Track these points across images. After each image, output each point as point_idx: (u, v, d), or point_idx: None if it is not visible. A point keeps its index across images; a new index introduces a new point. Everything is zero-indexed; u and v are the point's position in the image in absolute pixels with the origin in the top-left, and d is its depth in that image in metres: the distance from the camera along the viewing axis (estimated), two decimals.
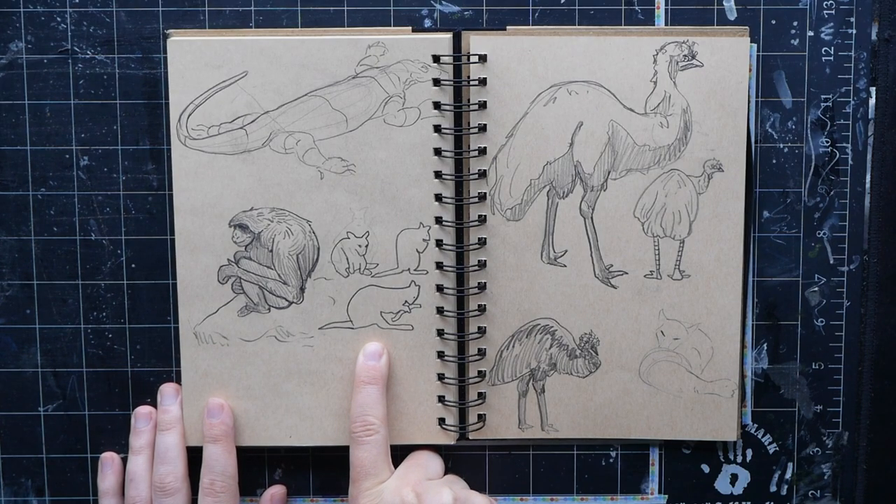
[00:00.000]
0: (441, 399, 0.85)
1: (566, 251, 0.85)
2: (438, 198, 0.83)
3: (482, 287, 0.85)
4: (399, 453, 0.87)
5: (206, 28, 0.84)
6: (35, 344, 0.87)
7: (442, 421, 0.86)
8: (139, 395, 0.87)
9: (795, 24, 0.84)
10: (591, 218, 0.84)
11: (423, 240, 0.84)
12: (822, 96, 0.85)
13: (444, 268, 0.84)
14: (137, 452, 0.84)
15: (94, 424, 0.87)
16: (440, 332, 0.84)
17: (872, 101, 0.85)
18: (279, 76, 0.82)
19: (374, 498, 0.80)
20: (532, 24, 0.85)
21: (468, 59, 0.83)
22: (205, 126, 0.82)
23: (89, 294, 0.86)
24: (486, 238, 0.84)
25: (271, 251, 0.84)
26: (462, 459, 0.88)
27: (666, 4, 0.84)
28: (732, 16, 0.84)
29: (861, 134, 0.85)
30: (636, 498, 0.89)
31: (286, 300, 0.84)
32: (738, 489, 0.89)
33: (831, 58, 0.85)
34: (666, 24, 0.84)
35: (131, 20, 0.84)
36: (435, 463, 0.85)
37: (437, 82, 0.82)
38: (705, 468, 0.89)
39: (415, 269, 0.84)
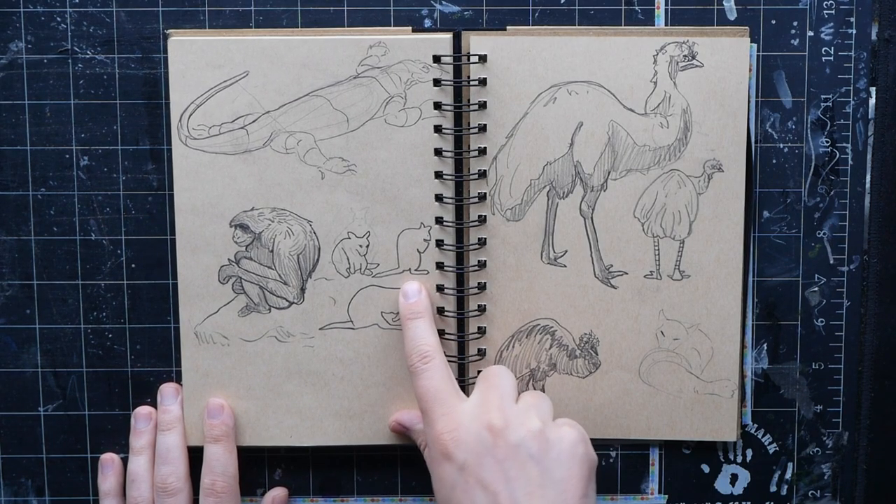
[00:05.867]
0: None
1: (566, 251, 0.85)
2: (439, 198, 0.83)
3: (482, 287, 0.85)
4: (400, 454, 0.88)
5: (206, 28, 0.84)
6: (35, 344, 0.86)
7: None
8: (139, 395, 0.87)
9: (795, 24, 0.84)
10: (591, 218, 0.84)
11: (424, 240, 0.84)
12: (822, 96, 0.85)
13: (445, 268, 0.84)
14: (138, 453, 0.84)
15: (94, 424, 0.87)
16: (441, 333, 0.84)
17: (872, 101, 0.85)
18: (280, 76, 0.82)
19: (451, 423, 0.76)
20: (532, 24, 0.85)
21: (468, 59, 0.83)
22: (206, 126, 0.82)
23: (89, 294, 0.86)
24: (486, 238, 0.84)
25: (272, 251, 0.84)
26: None
27: (666, 4, 0.84)
28: (732, 16, 0.85)
29: (861, 134, 0.85)
30: (636, 498, 0.89)
31: (287, 300, 0.84)
32: (738, 489, 0.89)
33: (831, 58, 0.85)
34: (666, 24, 0.84)
35: (131, 20, 0.84)
36: (508, 381, 0.79)
37: (437, 82, 0.82)
38: (705, 468, 0.89)
39: (415, 270, 0.84)
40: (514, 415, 0.75)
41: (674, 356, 0.85)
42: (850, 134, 0.85)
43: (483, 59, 0.83)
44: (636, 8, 0.84)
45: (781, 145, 0.85)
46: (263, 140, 0.83)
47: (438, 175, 0.83)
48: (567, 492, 0.73)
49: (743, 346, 0.86)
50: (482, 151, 0.83)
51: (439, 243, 0.84)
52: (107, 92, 0.85)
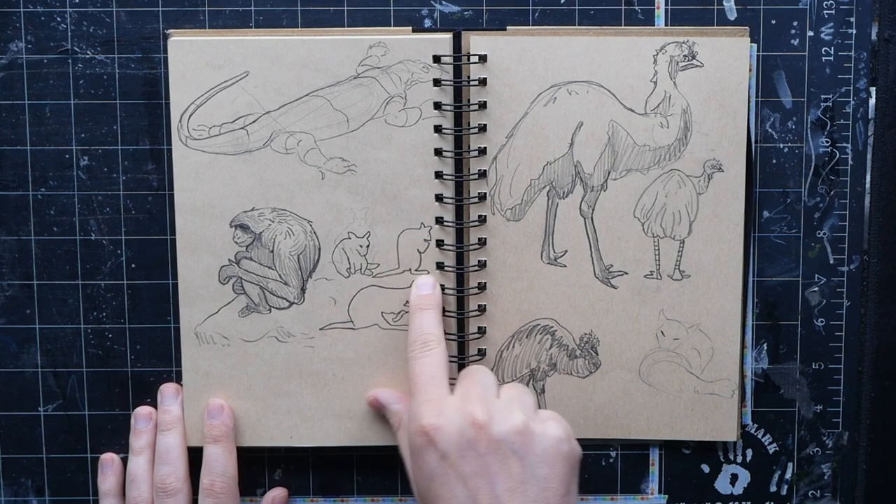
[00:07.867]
0: None
1: (566, 251, 0.85)
2: (439, 198, 0.83)
3: (482, 287, 0.85)
4: (400, 454, 0.87)
5: (206, 28, 0.84)
6: (35, 344, 0.86)
7: None
8: (139, 395, 0.87)
9: (795, 24, 0.84)
10: (591, 218, 0.84)
11: (424, 240, 0.84)
12: (822, 96, 0.85)
13: (445, 268, 0.84)
14: (138, 453, 0.84)
15: (94, 424, 0.87)
16: None
17: (872, 101, 0.85)
18: (280, 76, 0.82)
19: (435, 411, 0.74)
20: (532, 24, 0.85)
21: (468, 59, 0.83)
22: (206, 126, 0.82)
23: (89, 294, 0.86)
24: (486, 238, 0.84)
25: (272, 251, 0.84)
26: None
27: (666, 4, 0.84)
28: (732, 16, 0.85)
29: (861, 134, 0.85)
30: (636, 498, 0.89)
31: (287, 301, 0.84)
32: (738, 489, 0.89)
33: (831, 58, 0.85)
34: (666, 24, 0.84)
35: (131, 20, 0.84)
36: (489, 376, 0.78)
37: (437, 82, 0.82)
38: (705, 468, 0.89)
39: (416, 270, 0.84)
40: (497, 409, 0.74)
41: (674, 356, 0.85)
42: (850, 134, 0.85)
43: (483, 59, 0.83)
44: (636, 8, 0.84)
45: (781, 145, 0.85)
46: (263, 140, 0.83)
47: (438, 175, 0.83)
48: (549, 490, 0.72)
49: (743, 346, 0.86)
50: (482, 151, 0.83)
51: (439, 243, 0.84)
52: (107, 92, 0.85)
